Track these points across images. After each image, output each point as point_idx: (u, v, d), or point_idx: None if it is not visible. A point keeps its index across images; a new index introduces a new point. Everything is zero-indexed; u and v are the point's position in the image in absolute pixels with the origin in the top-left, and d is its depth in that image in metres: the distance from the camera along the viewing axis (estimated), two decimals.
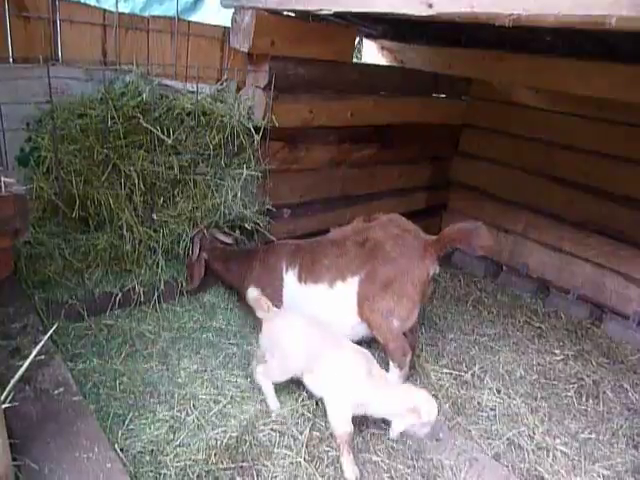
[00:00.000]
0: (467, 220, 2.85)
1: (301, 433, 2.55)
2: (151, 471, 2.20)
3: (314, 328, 2.60)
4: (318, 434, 2.58)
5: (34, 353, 1.50)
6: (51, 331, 1.72)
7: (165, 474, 2.20)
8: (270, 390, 2.66)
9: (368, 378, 2.37)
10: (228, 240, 3.53)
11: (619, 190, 4.22)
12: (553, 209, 4.62)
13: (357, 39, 4.61)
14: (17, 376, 1.47)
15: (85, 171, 3.03)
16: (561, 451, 2.75)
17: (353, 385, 2.38)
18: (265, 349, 2.66)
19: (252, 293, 2.69)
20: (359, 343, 2.69)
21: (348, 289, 2.92)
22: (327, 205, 4.41)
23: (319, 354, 2.48)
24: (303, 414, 2.68)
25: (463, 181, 5.34)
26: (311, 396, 2.71)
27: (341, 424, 2.37)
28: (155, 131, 3.14)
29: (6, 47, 3.01)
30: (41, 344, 1.62)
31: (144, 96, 3.09)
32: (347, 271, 2.93)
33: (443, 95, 4.97)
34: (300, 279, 3.08)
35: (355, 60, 4.69)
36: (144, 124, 3.09)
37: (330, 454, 2.46)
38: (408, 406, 2.27)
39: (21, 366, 1.54)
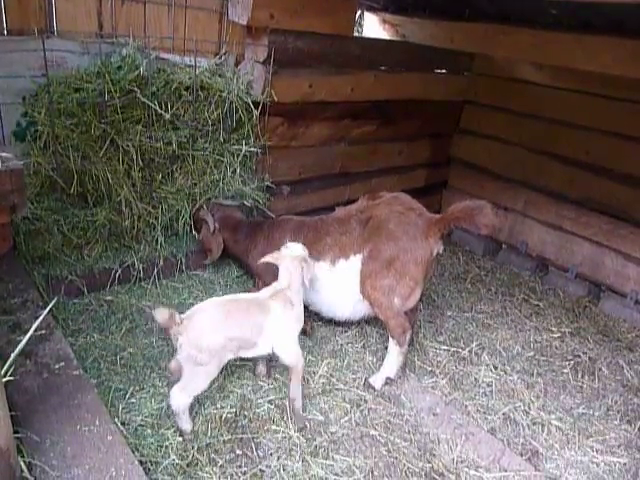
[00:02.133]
0: (470, 199, 2.84)
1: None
2: (152, 444, 2.24)
3: (232, 308, 2.39)
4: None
5: (34, 327, 1.51)
6: (51, 305, 1.73)
7: (167, 446, 2.24)
8: (187, 410, 2.32)
9: (293, 307, 2.51)
10: (235, 203, 3.53)
11: (620, 168, 4.19)
12: (553, 187, 4.60)
13: (358, 12, 4.52)
14: (17, 350, 1.48)
15: (83, 146, 3.00)
16: (556, 426, 2.79)
17: (297, 325, 2.55)
18: (186, 362, 2.28)
19: (161, 314, 2.19)
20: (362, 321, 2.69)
21: (351, 267, 2.92)
22: (326, 182, 4.39)
23: (256, 327, 2.38)
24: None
25: (464, 158, 5.30)
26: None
27: (301, 358, 2.52)
28: (153, 106, 3.10)
29: (0, 19, 2.95)
30: (41, 318, 1.63)
31: (141, 70, 3.04)
32: (350, 250, 2.93)
33: (445, 71, 4.90)
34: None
35: (356, 34, 4.60)
36: (141, 98, 3.05)
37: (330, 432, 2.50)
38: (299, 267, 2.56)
39: (21, 340, 1.55)
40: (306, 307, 2.99)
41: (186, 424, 2.32)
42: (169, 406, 2.31)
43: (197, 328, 2.24)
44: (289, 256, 2.61)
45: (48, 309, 1.85)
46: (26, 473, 1.61)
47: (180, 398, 2.27)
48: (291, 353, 2.50)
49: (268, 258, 2.65)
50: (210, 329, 2.27)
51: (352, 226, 2.97)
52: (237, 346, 2.35)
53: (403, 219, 2.84)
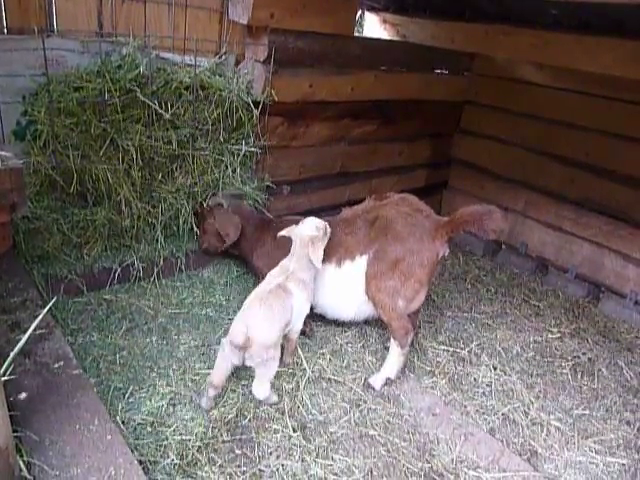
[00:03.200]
0: (472, 200, 2.84)
1: (299, 407, 2.59)
2: (151, 443, 2.24)
3: (271, 300, 2.54)
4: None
5: (33, 326, 1.50)
6: (50, 304, 1.73)
7: (166, 446, 2.24)
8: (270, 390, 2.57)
9: (305, 287, 2.77)
10: (241, 193, 3.54)
11: (620, 169, 4.19)
12: (553, 188, 4.60)
13: (359, 12, 4.52)
14: (16, 349, 1.47)
15: (82, 145, 2.99)
16: (555, 426, 2.79)
17: (307, 305, 2.82)
18: (258, 365, 2.46)
19: (239, 338, 2.37)
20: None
21: (356, 268, 2.91)
22: (326, 182, 4.38)
23: (289, 308, 2.61)
24: (300, 387, 2.72)
25: (464, 159, 5.30)
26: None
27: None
28: (153, 105, 3.09)
29: (0, 17, 2.94)
30: (40, 317, 1.63)
31: (141, 69, 3.04)
32: (356, 250, 2.92)
33: (445, 71, 4.90)
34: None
35: (356, 34, 4.60)
36: (141, 98, 3.05)
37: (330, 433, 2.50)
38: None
39: (21, 339, 1.55)
40: (311, 309, 3.00)
41: (274, 397, 2.59)
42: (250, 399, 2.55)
43: (261, 333, 2.41)
44: (298, 235, 2.77)
45: (47, 308, 1.85)
46: (25, 472, 1.61)
47: (264, 389, 2.51)
48: (298, 331, 2.80)
49: (284, 232, 2.87)
50: (268, 327, 2.47)
51: (358, 226, 2.96)
52: (285, 328, 2.62)
53: (410, 220, 2.82)
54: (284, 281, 2.66)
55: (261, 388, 2.50)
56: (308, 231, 2.78)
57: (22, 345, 1.52)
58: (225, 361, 2.44)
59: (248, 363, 2.44)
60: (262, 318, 2.46)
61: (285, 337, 2.76)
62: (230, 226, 3.35)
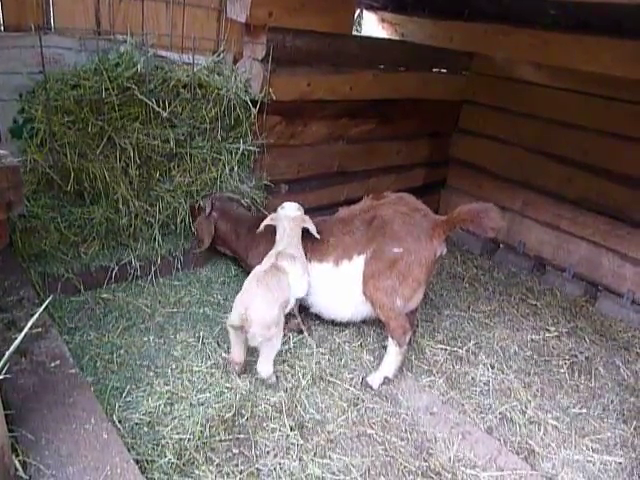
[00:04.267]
0: (470, 199, 2.84)
1: (297, 406, 2.59)
2: (148, 442, 2.23)
3: (268, 280, 2.63)
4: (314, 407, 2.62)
5: (29, 325, 1.50)
6: (46, 303, 1.72)
7: (163, 445, 2.23)
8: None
9: (295, 260, 2.85)
10: (236, 197, 3.57)
11: (618, 168, 4.20)
12: (551, 187, 4.60)
13: (357, 11, 4.52)
14: (12, 347, 1.47)
15: (80, 143, 2.98)
16: (552, 425, 2.80)
17: (305, 277, 2.89)
18: (261, 344, 2.57)
19: (238, 316, 2.51)
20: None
21: (354, 268, 2.91)
22: (324, 181, 4.38)
23: (287, 286, 2.72)
24: (298, 386, 2.71)
25: (462, 158, 5.30)
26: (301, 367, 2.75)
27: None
28: (150, 103, 3.09)
29: None
30: (36, 316, 1.62)
31: (139, 67, 3.03)
32: (353, 250, 2.92)
33: (444, 70, 4.89)
34: (305, 257, 3.07)
35: (355, 33, 4.60)
36: (139, 96, 3.04)
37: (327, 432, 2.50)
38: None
39: (17, 338, 1.54)
40: (307, 309, 2.99)
41: (274, 378, 2.67)
42: (261, 379, 2.65)
43: (259, 313, 2.49)
44: (286, 217, 2.91)
45: (44, 307, 1.84)
46: (20, 472, 1.60)
47: (267, 368, 2.60)
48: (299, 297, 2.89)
49: (267, 221, 2.95)
50: (267, 306, 2.54)
51: (356, 226, 2.95)
52: (284, 307, 2.68)
53: (407, 220, 2.82)
54: (276, 260, 2.75)
55: (265, 367, 2.60)
56: (295, 212, 2.95)
57: (18, 344, 1.51)
58: (235, 342, 2.61)
59: (251, 343, 2.54)
60: (260, 298, 2.54)
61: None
62: (204, 233, 3.44)
